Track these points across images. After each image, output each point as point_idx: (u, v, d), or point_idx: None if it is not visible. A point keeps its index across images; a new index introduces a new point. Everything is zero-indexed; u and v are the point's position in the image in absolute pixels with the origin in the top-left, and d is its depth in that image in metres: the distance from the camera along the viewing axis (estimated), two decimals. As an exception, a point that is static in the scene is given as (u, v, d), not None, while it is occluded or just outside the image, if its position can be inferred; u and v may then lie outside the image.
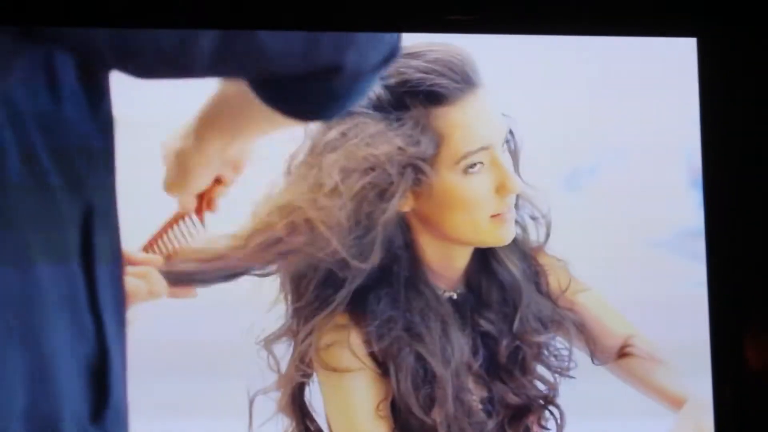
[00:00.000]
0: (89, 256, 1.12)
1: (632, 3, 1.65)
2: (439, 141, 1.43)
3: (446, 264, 1.50)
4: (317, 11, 1.60)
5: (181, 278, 1.40)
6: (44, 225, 1.10)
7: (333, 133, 1.43)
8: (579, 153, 1.59)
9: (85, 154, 1.13)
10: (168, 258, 1.41)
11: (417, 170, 1.43)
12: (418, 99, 1.43)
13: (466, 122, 1.43)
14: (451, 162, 1.43)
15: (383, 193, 1.43)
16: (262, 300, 1.46)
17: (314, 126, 1.44)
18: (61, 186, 1.10)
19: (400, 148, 1.42)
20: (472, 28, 1.61)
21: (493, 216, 1.46)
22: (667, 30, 1.64)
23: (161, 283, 1.37)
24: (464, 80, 1.43)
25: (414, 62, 1.43)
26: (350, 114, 1.44)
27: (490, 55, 1.52)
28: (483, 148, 1.43)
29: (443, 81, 1.43)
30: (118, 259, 1.18)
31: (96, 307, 1.12)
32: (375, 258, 1.44)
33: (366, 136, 1.42)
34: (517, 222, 1.52)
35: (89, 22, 1.49)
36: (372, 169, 1.42)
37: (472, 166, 1.43)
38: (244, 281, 1.44)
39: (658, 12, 1.65)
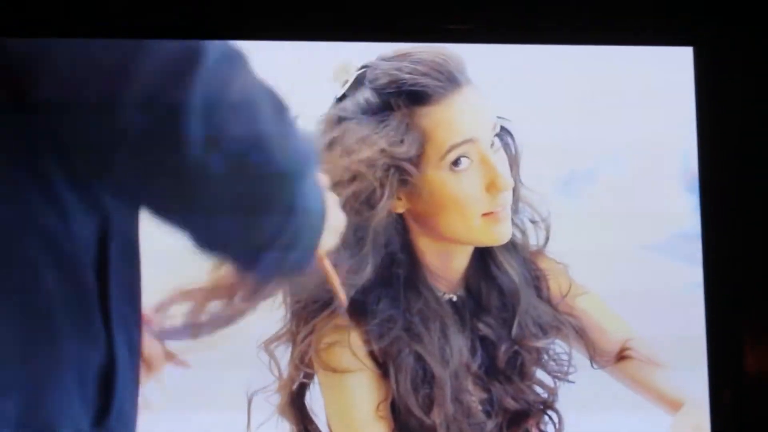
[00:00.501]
0: (104, 268, 1.13)
1: (630, 12, 1.66)
2: (424, 140, 1.43)
3: (445, 265, 1.51)
4: (315, 20, 1.62)
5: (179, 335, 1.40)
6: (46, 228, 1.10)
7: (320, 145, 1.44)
8: (577, 157, 1.60)
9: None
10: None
11: (401, 171, 1.43)
12: (401, 99, 1.44)
13: (450, 119, 1.44)
14: (437, 159, 1.44)
15: (370, 200, 1.44)
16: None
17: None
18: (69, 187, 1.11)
19: (382, 150, 1.42)
20: (470, 38, 1.62)
21: (485, 214, 1.46)
22: (664, 39, 1.65)
23: (159, 359, 1.38)
24: (448, 79, 1.44)
25: (400, 64, 1.45)
26: (339, 120, 1.45)
27: (490, 60, 1.54)
28: (467, 141, 1.44)
29: (425, 80, 1.44)
30: (135, 270, 1.18)
31: (107, 317, 1.13)
32: (369, 268, 1.45)
33: (352, 142, 1.43)
34: (517, 226, 1.53)
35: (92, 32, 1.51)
36: (354, 178, 1.43)
37: (458, 161, 1.44)
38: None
39: (655, 21, 1.67)
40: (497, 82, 1.52)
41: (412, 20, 1.64)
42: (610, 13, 1.66)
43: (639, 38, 1.65)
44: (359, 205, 1.43)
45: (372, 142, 1.43)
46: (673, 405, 1.51)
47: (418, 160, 1.44)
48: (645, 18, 1.66)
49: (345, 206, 1.41)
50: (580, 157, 1.60)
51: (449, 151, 1.43)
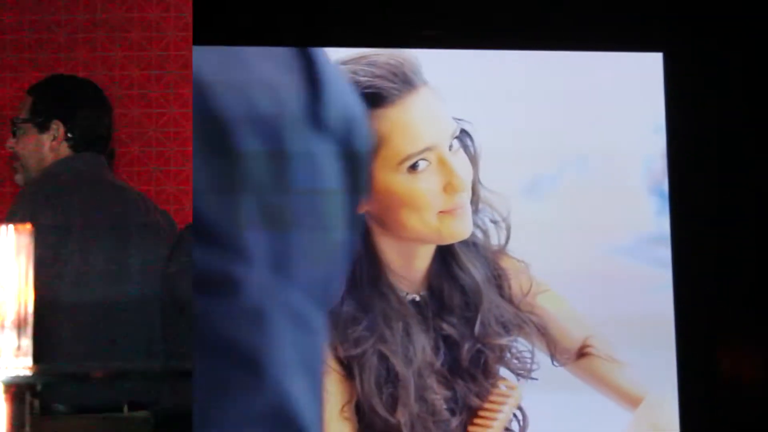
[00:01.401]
0: None
1: (600, 19, 1.68)
2: (378, 142, 1.44)
3: (407, 265, 1.52)
4: (296, 31, 1.65)
5: None
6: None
7: None
8: (543, 161, 1.61)
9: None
10: None
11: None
12: None
13: (407, 123, 1.45)
14: (393, 163, 1.45)
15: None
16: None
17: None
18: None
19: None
20: (445, 44, 1.65)
21: (442, 212, 1.46)
22: (634, 45, 1.67)
23: None
24: (403, 81, 1.45)
25: (355, 67, 1.46)
26: None
27: (458, 65, 1.56)
28: (427, 149, 1.45)
29: (380, 82, 1.45)
30: None
31: None
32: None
33: None
34: (478, 225, 1.54)
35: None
36: None
37: (415, 164, 1.44)
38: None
39: (625, 27, 1.68)
40: (464, 87, 1.54)
41: (389, 26, 1.67)
42: (580, 19, 1.68)
43: (609, 44, 1.66)
44: None
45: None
46: (633, 401, 1.52)
47: (372, 162, 1.45)
48: (615, 24, 1.68)
49: None
50: (546, 161, 1.61)
51: (407, 158, 1.44)
